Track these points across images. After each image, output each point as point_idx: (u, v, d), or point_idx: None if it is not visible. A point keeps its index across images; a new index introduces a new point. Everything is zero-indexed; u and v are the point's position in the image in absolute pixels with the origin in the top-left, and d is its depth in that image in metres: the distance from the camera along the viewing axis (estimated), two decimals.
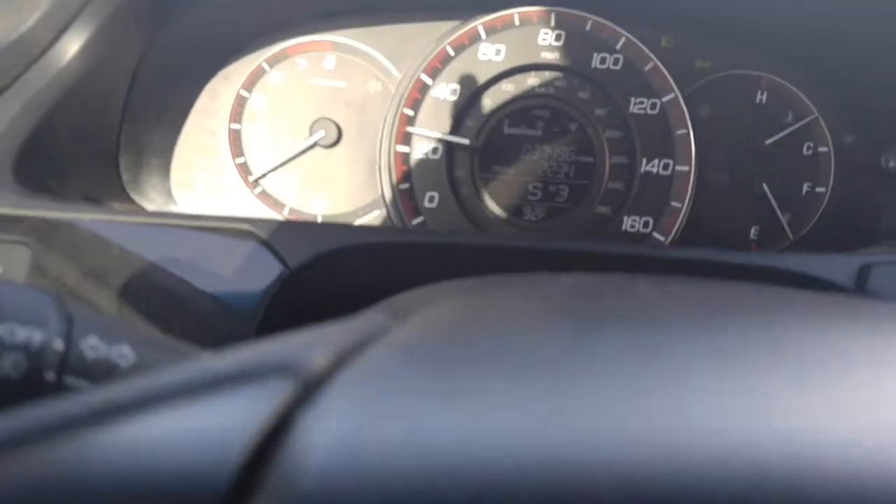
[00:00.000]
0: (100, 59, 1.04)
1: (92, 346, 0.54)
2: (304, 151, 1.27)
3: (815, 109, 1.29)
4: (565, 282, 0.58)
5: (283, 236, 0.92)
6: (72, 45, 1.01)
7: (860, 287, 0.94)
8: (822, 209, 1.30)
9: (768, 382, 0.37)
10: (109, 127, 1.12)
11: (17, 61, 1.00)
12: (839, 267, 0.96)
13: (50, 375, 0.51)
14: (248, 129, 1.28)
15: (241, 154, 1.28)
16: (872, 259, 0.96)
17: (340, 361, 0.37)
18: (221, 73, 1.27)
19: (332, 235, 0.93)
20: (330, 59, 1.28)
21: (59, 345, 0.52)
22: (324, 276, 0.94)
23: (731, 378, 0.37)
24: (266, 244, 0.92)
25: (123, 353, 0.55)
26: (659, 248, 1.14)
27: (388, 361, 0.38)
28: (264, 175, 1.28)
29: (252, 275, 0.91)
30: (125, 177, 1.16)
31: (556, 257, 0.99)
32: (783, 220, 1.29)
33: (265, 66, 1.27)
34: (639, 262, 0.98)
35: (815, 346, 0.43)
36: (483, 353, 0.39)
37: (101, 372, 0.54)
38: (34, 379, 0.51)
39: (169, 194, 1.26)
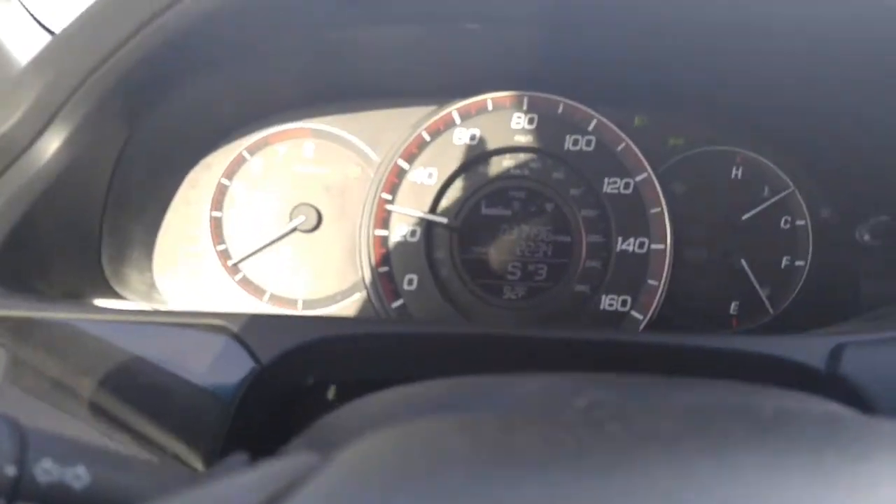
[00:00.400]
0: (80, 154, 1.05)
1: (46, 469, 0.54)
2: (283, 237, 1.29)
3: (791, 183, 1.31)
4: (505, 401, 0.58)
5: (255, 331, 0.93)
6: (52, 143, 1.03)
7: (833, 368, 0.94)
8: (801, 282, 1.31)
9: None
10: (91, 221, 1.14)
11: (0, 160, 1.02)
12: (812, 349, 0.96)
13: (1, 502, 0.52)
14: (228, 216, 1.30)
15: (222, 241, 1.30)
16: (844, 340, 0.96)
17: None
18: (202, 163, 1.30)
19: (301, 329, 0.94)
20: (309, 146, 1.30)
21: (10, 470, 0.52)
22: (295, 369, 0.95)
23: None
24: (239, 339, 0.92)
25: (78, 475, 0.55)
26: (633, 335, 1.14)
27: None
28: (243, 259, 1.30)
29: (226, 369, 0.91)
30: (107, 270, 1.17)
31: (531, 344, 0.99)
32: (763, 294, 1.30)
33: (245, 154, 1.30)
34: (614, 348, 0.99)
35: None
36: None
37: (55, 496, 0.54)
38: None
39: (151, 284, 1.28)
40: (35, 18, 1.37)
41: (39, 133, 1.02)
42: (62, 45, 1.00)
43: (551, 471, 0.43)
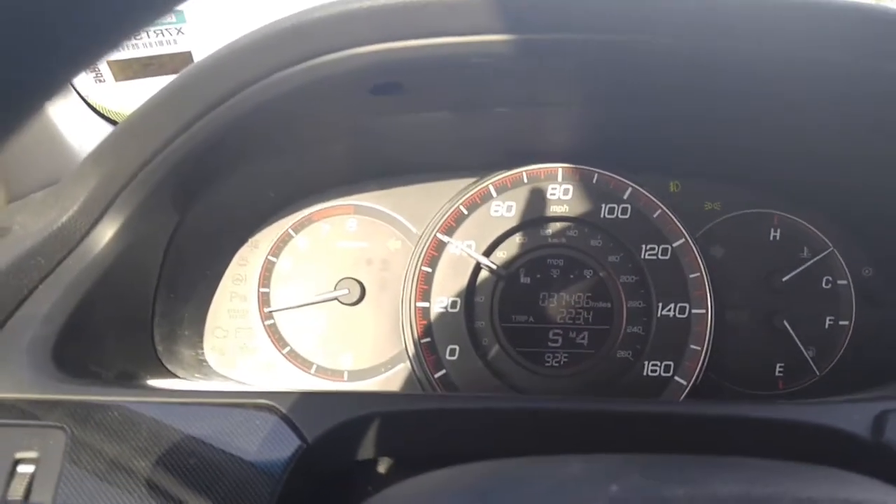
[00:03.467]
0: (133, 241, 1.11)
1: None
2: (324, 301, 1.33)
3: (829, 243, 1.30)
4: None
5: (301, 409, 0.95)
6: (107, 232, 1.09)
7: (877, 436, 0.93)
8: (846, 342, 1.29)
9: None
10: (144, 303, 1.19)
11: (58, 249, 1.07)
12: (856, 416, 0.95)
13: None
14: (276, 291, 1.34)
15: (270, 316, 1.34)
16: (889, 406, 0.95)
17: None
18: (250, 242, 1.35)
19: (344, 406, 0.96)
20: (352, 222, 1.35)
21: None
22: (340, 446, 0.97)
23: None
24: (286, 418, 0.95)
25: None
26: (676, 405, 1.14)
27: None
28: (279, 310, 1.34)
29: (274, 448, 0.94)
30: (160, 348, 1.22)
31: (574, 416, 1.00)
32: (808, 355, 1.28)
33: (291, 232, 1.35)
34: (657, 419, 0.99)
35: None
36: None
37: None
38: None
39: (202, 360, 1.32)
40: (92, 108, 1.45)
41: (95, 223, 1.08)
42: (116, 143, 1.06)
43: None
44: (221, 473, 0.92)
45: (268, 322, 1.34)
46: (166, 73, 1.44)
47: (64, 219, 1.06)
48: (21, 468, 0.90)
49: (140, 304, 1.19)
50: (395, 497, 0.63)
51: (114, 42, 0.42)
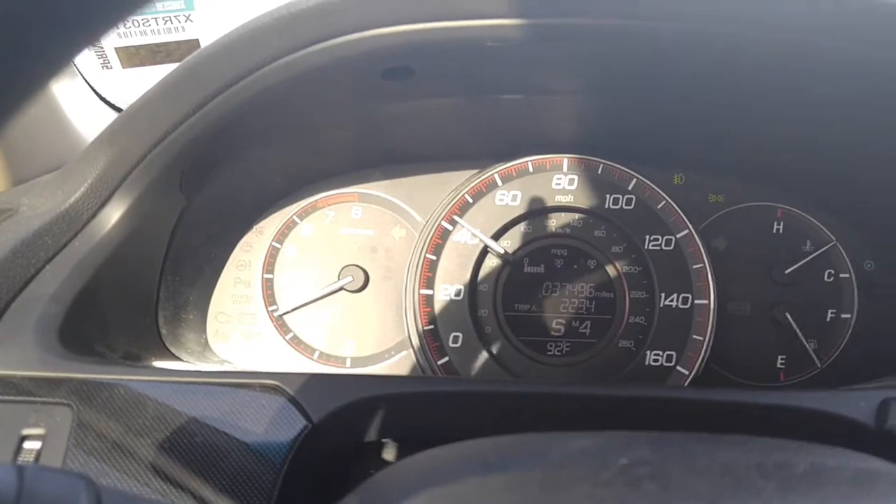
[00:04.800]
0: (139, 224, 1.11)
1: None
2: (330, 294, 1.33)
3: (832, 237, 1.31)
4: (554, 458, 0.59)
5: (307, 390, 0.96)
6: (114, 214, 1.09)
7: (881, 422, 0.94)
8: (848, 335, 1.30)
9: None
10: (149, 286, 1.19)
11: (66, 230, 1.07)
12: (859, 403, 0.95)
13: None
14: (280, 278, 1.35)
15: (273, 302, 1.34)
16: (892, 394, 0.96)
17: None
18: (255, 228, 1.35)
19: (351, 388, 0.96)
20: (357, 209, 1.35)
21: None
22: (345, 428, 0.97)
23: None
24: (291, 398, 0.95)
25: None
26: (680, 391, 1.15)
27: None
28: (288, 312, 1.34)
29: (279, 428, 0.94)
30: (164, 331, 1.22)
31: (578, 400, 1.00)
32: (809, 348, 1.29)
33: (296, 218, 1.35)
34: (660, 404, 0.99)
35: None
36: None
37: None
38: None
39: (206, 345, 1.32)
40: (99, 95, 1.45)
41: (102, 205, 1.08)
42: (124, 125, 1.06)
43: None
44: (227, 452, 0.93)
45: (271, 308, 1.34)
46: (174, 61, 1.44)
47: (71, 200, 1.07)
48: (27, 444, 0.91)
49: (145, 286, 1.19)
50: (408, 468, 0.63)
51: (117, 17, 0.42)
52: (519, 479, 0.53)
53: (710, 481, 0.50)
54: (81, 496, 0.57)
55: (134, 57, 1.45)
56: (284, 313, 1.35)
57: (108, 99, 1.45)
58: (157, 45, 1.44)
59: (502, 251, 1.27)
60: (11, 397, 0.94)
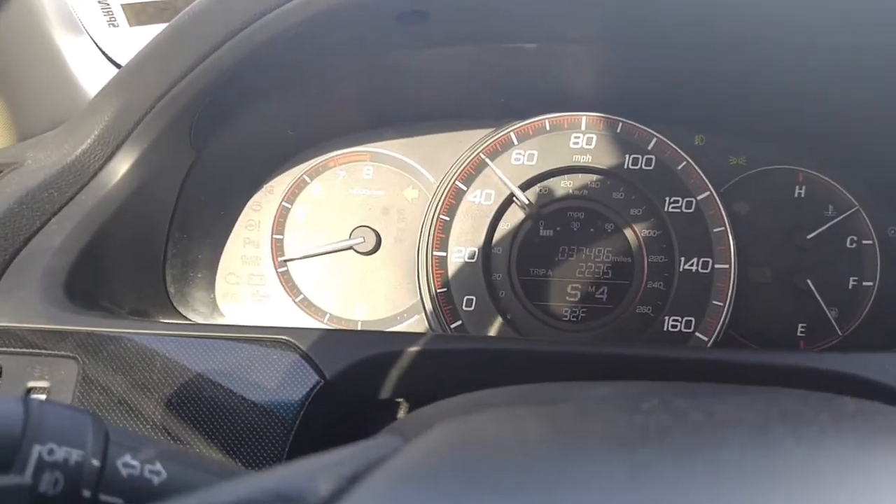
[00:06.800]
0: (147, 178, 1.09)
1: (126, 464, 0.55)
2: (339, 250, 1.31)
3: (855, 202, 1.28)
4: (577, 399, 0.57)
5: (320, 346, 0.93)
6: (121, 167, 1.06)
7: None
8: (870, 303, 1.27)
9: None
10: (157, 242, 1.17)
11: (72, 182, 1.05)
12: (886, 366, 0.93)
13: (86, 493, 0.52)
14: (290, 238, 1.32)
15: (283, 263, 1.31)
16: None
17: (343, 489, 0.37)
18: (265, 187, 1.32)
19: (365, 344, 0.94)
20: (368, 169, 1.32)
21: (95, 463, 0.53)
22: (358, 384, 0.95)
23: None
24: (304, 354, 0.93)
25: (156, 470, 0.56)
26: (701, 350, 1.12)
27: (387, 490, 0.38)
28: (293, 259, 1.32)
29: (291, 384, 0.92)
30: (171, 289, 1.20)
31: (596, 361, 0.98)
32: (830, 315, 1.26)
33: (306, 178, 1.32)
34: (681, 365, 0.97)
35: None
36: (487, 480, 0.39)
37: (135, 489, 0.55)
38: (72, 496, 0.52)
39: (214, 305, 1.29)
40: (104, 53, 1.42)
41: (109, 157, 1.06)
42: (130, 76, 1.04)
43: (638, 451, 0.42)
44: (237, 408, 0.90)
45: (281, 270, 1.32)
46: None
47: (78, 152, 1.04)
48: (33, 396, 0.89)
49: (153, 242, 1.17)
50: (436, 410, 0.61)
51: None
52: (553, 411, 0.50)
53: (757, 410, 0.47)
54: (88, 431, 0.55)
55: (141, 14, 1.42)
56: (289, 259, 1.32)
57: (113, 57, 1.42)
58: (164, 2, 1.41)
59: (528, 201, 1.24)
60: (17, 349, 0.92)
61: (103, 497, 0.53)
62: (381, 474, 0.40)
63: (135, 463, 0.55)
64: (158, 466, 0.56)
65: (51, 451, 0.52)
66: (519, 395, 0.61)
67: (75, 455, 0.53)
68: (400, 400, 1.02)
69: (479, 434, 0.46)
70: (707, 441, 0.42)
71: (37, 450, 0.52)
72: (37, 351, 0.91)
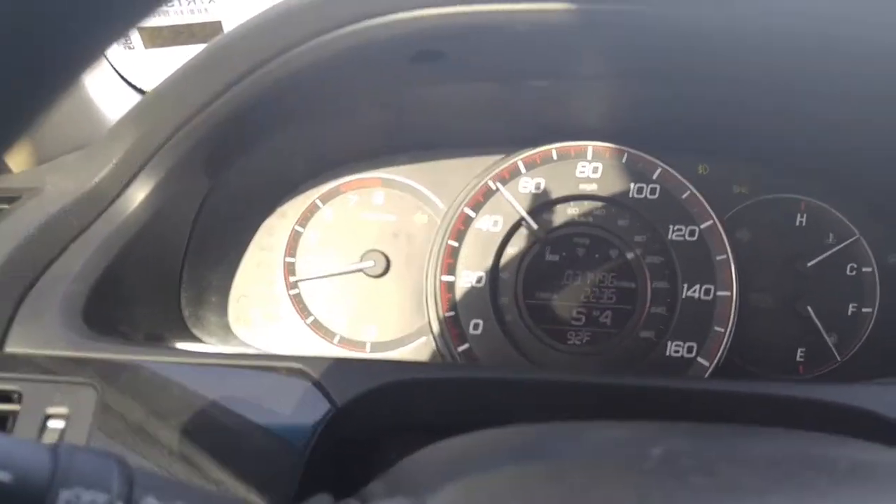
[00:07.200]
0: (164, 205, 1.11)
1: None
2: (349, 272, 1.33)
3: (856, 230, 1.30)
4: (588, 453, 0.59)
5: (332, 374, 0.96)
6: (139, 194, 1.09)
7: None
8: (869, 329, 1.29)
9: None
10: (173, 267, 1.19)
11: (91, 209, 1.07)
12: (884, 397, 0.95)
13: None
14: (301, 261, 1.35)
15: (295, 286, 1.34)
16: None
17: None
18: (278, 211, 1.35)
19: (377, 373, 0.97)
20: (379, 195, 1.35)
21: None
22: (369, 412, 0.97)
23: None
24: (316, 382, 0.95)
25: None
26: (701, 381, 1.14)
27: None
28: (304, 280, 1.34)
29: (303, 411, 0.94)
30: (186, 312, 1.22)
31: (600, 390, 1.00)
32: (829, 341, 1.28)
33: (318, 202, 1.35)
34: (682, 394, 0.99)
35: None
36: None
37: None
38: None
39: (227, 328, 1.32)
40: (124, 78, 1.45)
41: (127, 184, 1.08)
42: (151, 106, 1.06)
43: None
44: (251, 435, 0.93)
45: (293, 292, 1.34)
46: (196, 42, 1.43)
47: (97, 179, 1.07)
48: (52, 423, 0.91)
49: (169, 267, 1.19)
50: (439, 453, 0.63)
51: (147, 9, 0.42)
52: (562, 469, 0.53)
53: (759, 476, 0.50)
54: (114, 476, 0.57)
55: (156, 37, 1.44)
56: (300, 280, 1.35)
57: (128, 79, 1.44)
58: (180, 25, 1.43)
59: (536, 227, 1.26)
60: (36, 376, 0.94)
61: None
62: None
63: None
64: None
65: (77, 496, 0.55)
66: (520, 441, 0.63)
67: (101, 499, 0.55)
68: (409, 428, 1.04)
69: (487, 499, 0.48)
70: None
71: (64, 496, 0.54)
72: (56, 378, 0.93)
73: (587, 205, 1.28)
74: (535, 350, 1.27)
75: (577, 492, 0.48)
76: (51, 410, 0.92)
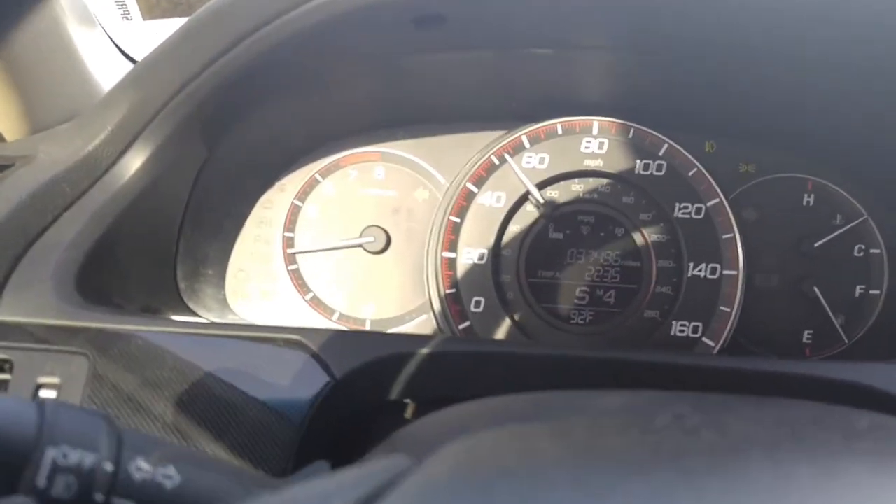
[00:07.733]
0: (160, 174, 1.09)
1: (139, 467, 0.55)
2: (348, 247, 1.31)
3: (864, 211, 1.28)
4: (587, 410, 0.57)
5: (331, 346, 0.94)
6: (134, 162, 1.06)
7: None
8: (877, 311, 1.27)
9: None
10: (168, 238, 1.17)
11: (85, 177, 1.05)
12: (892, 375, 0.93)
13: (99, 497, 0.53)
14: (300, 236, 1.33)
15: (293, 261, 1.32)
16: None
17: None
18: (277, 185, 1.33)
19: (376, 345, 0.95)
20: (379, 169, 1.33)
21: (108, 467, 0.53)
22: (368, 385, 0.95)
23: None
24: (314, 354, 0.93)
25: (169, 475, 0.56)
26: (707, 357, 1.12)
27: None
28: (302, 252, 1.32)
29: (301, 384, 0.92)
30: (182, 286, 1.20)
31: (602, 366, 0.98)
32: (837, 323, 1.26)
33: (318, 176, 1.33)
34: (687, 371, 0.97)
35: None
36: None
37: (148, 493, 0.55)
38: (84, 500, 0.52)
39: (224, 302, 1.30)
40: (118, 47, 1.42)
41: (122, 153, 1.06)
42: (146, 72, 1.04)
43: (652, 475, 0.43)
44: (247, 407, 0.91)
45: (291, 267, 1.32)
46: None
47: (91, 147, 1.05)
48: (43, 393, 0.89)
49: (165, 238, 1.17)
50: (441, 420, 0.61)
51: None
52: (566, 427, 0.51)
53: (771, 433, 0.48)
54: (102, 433, 0.55)
55: (154, 8, 1.42)
56: (298, 252, 1.33)
57: (125, 50, 1.42)
58: None
59: (543, 200, 1.24)
60: (28, 344, 0.92)
61: (115, 501, 0.53)
62: (398, 499, 0.40)
63: (147, 467, 0.55)
64: (171, 471, 0.56)
65: (65, 455, 0.53)
66: (522, 406, 0.61)
67: (89, 459, 0.53)
68: (408, 401, 1.02)
69: (490, 454, 0.46)
70: (722, 464, 0.43)
71: (51, 453, 0.52)
72: (48, 347, 0.91)
73: (592, 181, 1.26)
74: (536, 329, 1.25)
75: (582, 448, 0.46)
76: (42, 380, 0.90)
